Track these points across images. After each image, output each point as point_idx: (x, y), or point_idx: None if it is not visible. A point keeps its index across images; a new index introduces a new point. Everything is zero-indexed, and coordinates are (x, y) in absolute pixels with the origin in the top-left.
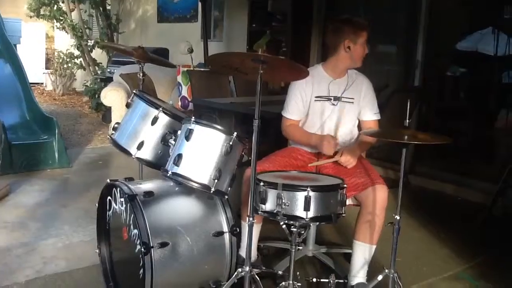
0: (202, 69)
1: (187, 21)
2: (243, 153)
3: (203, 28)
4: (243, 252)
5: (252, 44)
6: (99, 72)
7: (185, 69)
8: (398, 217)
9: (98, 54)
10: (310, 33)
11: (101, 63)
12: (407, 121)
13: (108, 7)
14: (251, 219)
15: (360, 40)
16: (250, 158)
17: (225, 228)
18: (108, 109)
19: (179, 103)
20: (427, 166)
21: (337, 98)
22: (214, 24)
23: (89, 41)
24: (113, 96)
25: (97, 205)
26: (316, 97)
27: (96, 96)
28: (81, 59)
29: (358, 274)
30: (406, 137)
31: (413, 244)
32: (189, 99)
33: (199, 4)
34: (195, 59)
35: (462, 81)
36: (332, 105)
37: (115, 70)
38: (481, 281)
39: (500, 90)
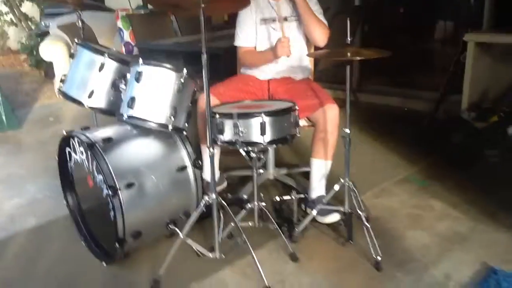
0: (142, 12)
1: None
2: (195, 89)
3: None
4: (207, 176)
5: None
6: (33, 27)
7: (124, 13)
8: (348, 131)
9: (29, 8)
10: None
11: (33, 18)
12: (349, 39)
13: None
14: (211, 150)
15: None
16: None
17: (188, 163)
18: (50, 64)
19: (123, 49)
20: (373, 83)
21: (283, 19)
22: None
23: None
24: (53, 50)
25: (57, 158)
26: (261, 19)
27: (34, 52)
28: (10, 15)
29: (317, 188)
30: (349, 54)
31: (366, 155)
32: (133, 44)
33: None
34: (133, 2)
35: None
36: (278, 26)
37: (50, 23)
38: (428, 181)
39: (436, 1)
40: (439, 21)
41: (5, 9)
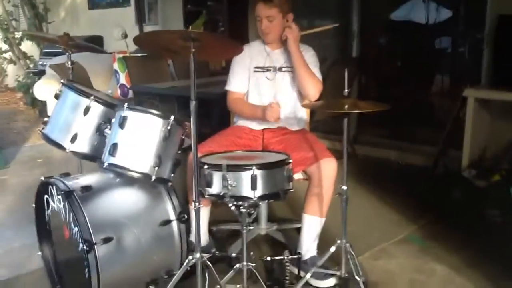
0: (138, 55)
1: (119, 6)
2: (183, 137)
3: (136, 12)
4: (194, 238)
5: (189, 25)
6: (31, 65)
7: (121, 55)
8: (345, 188)
9: (28, 46)
10: (247, 10)
11: (32, 56)
12: (346, 90)
13: None
14: (197, 204)
15: (257, 14)
16: None
17: (172, 216)
18: (45, 104)
19: (118, 91)
20: (371, 135)
21: (276, 69)
22: (148, 7)
23: (16, 33)
24: (46, 89)
25: (34, 205)
26: (255, 67)
27: (30, 91)
28: (10, 53)
29: (310, 248)
30: (346, 106)
31: (362, 211)
32: (128, 86)
33: None
34: (131, 45)
35: (398, 49)
36: (272, 75)
37: (47, 62)
38: (429, 242)
39: (434, 56)
40: (436, 75)
41: (4, 46)
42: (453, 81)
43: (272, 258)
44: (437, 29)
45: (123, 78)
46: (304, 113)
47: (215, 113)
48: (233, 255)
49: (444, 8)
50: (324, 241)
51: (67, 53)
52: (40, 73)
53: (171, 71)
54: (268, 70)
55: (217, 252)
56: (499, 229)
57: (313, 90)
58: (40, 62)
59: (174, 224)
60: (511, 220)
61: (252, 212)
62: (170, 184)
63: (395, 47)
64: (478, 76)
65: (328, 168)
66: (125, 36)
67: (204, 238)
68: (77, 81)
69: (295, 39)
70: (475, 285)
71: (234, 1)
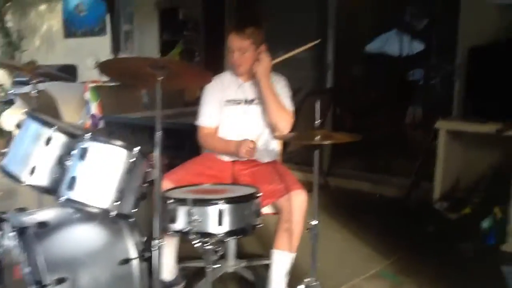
0: (112, 84)
1: (95, 35)
2: (148, 170)
3: (112, 41)
4: (163, 276)
5: (165, 55)
6: (1, 94)
7: (93, 84)
8: (315, 223)
9: (0, 75)
10: (223, 40)
11: (3, 85)
12: (317, 122)
13: (9, 24)
14: (157, 242)
15: (229, 45)
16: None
17: (133, 254)
18: (10, 134)
19: (89, 121)
20: (345, 167)
21: (249, 101)
22: (124, 36)
23: None
24: (12, 119)
25: None
26: (227, 101)
27: None
28: None
29: (279, 286)
30: (317, 138)
31: (334, 246)
32: (99, 116)
33: (107, 16)
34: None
35: (372, 81)
36: (244, 108)
37: (17, 91)
38: (401, 277)
39: (407, 87)
40: (410, 107)
41: None
42: (425, 113)
43: None
44: (410, 61)
45: (94, 108)
46: (276, 145)
47: (188, 145)
48: None
49: (417, 40)
50: (295, 277)
51: (32, 82)
52: (10, 103)
53: (145, 101)
54: (239, 103)
55: None
56: (471, 263)
57: (283, 123)
58: (11, 91)
59: (135, 263)
60: (483, 253)
61: (219, 249)
62: (132, 220)
63: (370, 79)
64: (450, 108)
65: (298, 201)
66: (98, 65)
67: (172, 272)
68: (41, 111)
69: (264, 72)
70: None
71: (210, 31)
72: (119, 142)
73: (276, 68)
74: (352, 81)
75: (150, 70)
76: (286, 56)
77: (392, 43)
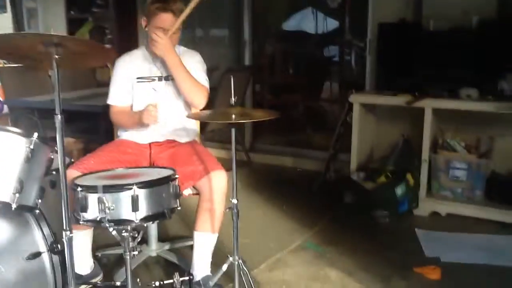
0: (15, 65)
1: None
2: (52, 157)
3: (13, 19)
4: (79, 270)
5: (73, 33)
6: None
7: None
8: (235, 201)
9: None
10: (136, 17)
11: None
12: (233, 99)
13: None
14: (67, 233)
15: (155, 24)
16: (72, 160)
17: (43, 248)
18: None
19: None
20: (266, 143)
21: (162, 78)
22: (27, 14)
23: None
24: None
25: None
26: (138, 78)
27: None
28: None
29: (202, 267)
30: (233, 116)
31: (258, 222)
32: (2, 101)
33: None
34: None
35: (290, 58)
36: (156, 85)
37: None
38: (323, 246)
39: (323, 64)
40: (326, 82)
41: None
42: (341, 88)
43: (162, 282)
44: (325, 38)
45: None
46: (194, 124)
47: (102, 127)
48: (118, 284)
49: (331, 18)
50: (219, 258)
51: None
52: None
53: (52, 82)
54: (152, 80)
55: (98, 283)
56: (387, 230)
57: (198, 98)
58: None
59: (45, 256)
60: (397, 220)
61: (136, 235)
62: (37, 211)
63: (287, 56)
64: (363, 82)
65: (218, 182)
66: None
67: (88, 265)
68: None
69: (164, 50)
70: (367, 287)
71: (121, 8)
72: (16, 129)
73: (193, 46)
74: (269, 59)
75: (44, 48)
76: (182, 17)
77: (308, 21)
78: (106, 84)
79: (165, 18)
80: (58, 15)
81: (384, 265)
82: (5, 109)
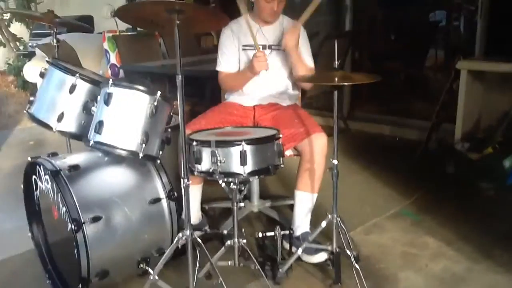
0: (129, 33)
1: None
2: (171, 114)
3: None
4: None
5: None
6: (21, 47)
7: (110, 34)
8: (335, 162)
9: (18, 28)
10: None
11: (22, 38)
12: (336, 62)
13: None
14: (185, 181)
15: None
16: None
17: (162, 194)
18: (35, 86)
19: (109, 71)
20: (364, 110)
21: (266, 46)
22: None
23: (4, 15)
24: (35, 71)
25: (22, 186)
26: (244, 46)
27: (21, 73)
28: None
29: (302, 224)
30: (336, 78)
31: (356, 187)
32: (119, 66)
33: None
34: (121, 24)
35: (392, 23)
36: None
37: (37, 44)
38: (421, 215)
39: (428, 29)
40: (431, 49)
41: None
42: (447, 54)
43: (264, 234)
44: (431, 2)
45: (113, 58)
46: (296, 89)
47: (208, 91)
48: (225, 232)
49: None
50: (317, 217)
51: (52, 31)
52: (30, 55)
53: (162, 49)
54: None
55: (208, 230)
56: (491, 202)
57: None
58: (30, 44)
59: (164, 202)
60: (504, 192)
61: (243, 188)
62: (158, 161)
63: (389, 21)
64: (472, 49)
65: (319, 144)
66: (114, 14)
67: (196, 216)
68: (62, 59)
69: (295, 46)
70: (466, 257)
71: None
72: (142, 87)
73: (293, 13)
74: (371, 24)
75: (166, 15)
76: (307, 15)
77: None
78: (210, 51)
79: None
80: None
81: (486, 236)
82: (121, 73)
